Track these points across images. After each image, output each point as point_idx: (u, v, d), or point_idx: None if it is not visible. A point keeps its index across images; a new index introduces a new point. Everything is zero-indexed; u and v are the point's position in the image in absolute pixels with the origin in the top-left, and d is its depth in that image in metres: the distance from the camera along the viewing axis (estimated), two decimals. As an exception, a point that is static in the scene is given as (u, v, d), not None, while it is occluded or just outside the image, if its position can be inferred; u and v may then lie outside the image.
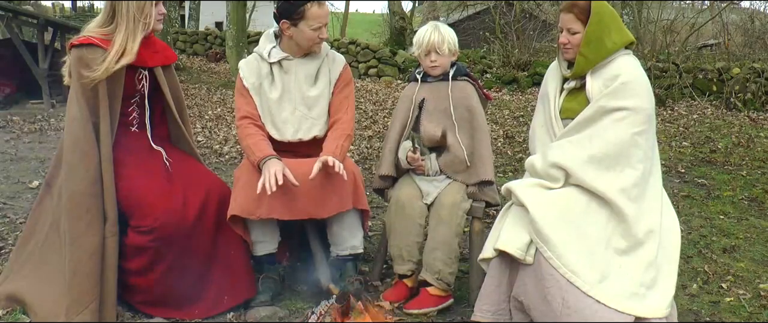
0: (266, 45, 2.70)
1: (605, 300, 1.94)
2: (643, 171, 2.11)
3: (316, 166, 2.41)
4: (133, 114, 2.56)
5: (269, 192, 2.34)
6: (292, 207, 2.46)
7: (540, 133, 2.35)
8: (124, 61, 2.37)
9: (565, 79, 2.32)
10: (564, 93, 2.30)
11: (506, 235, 2.14)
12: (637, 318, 1.96)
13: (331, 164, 2.39)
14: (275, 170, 2.37)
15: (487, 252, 2.23)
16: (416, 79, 2.83)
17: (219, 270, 2.57)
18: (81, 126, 2.36)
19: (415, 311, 2.64)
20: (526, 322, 2.14)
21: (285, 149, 2.65)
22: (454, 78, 2.76)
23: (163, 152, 2.58)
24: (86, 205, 2.32)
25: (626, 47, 2.24)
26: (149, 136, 2.59)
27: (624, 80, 2.13)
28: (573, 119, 2.23)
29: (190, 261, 2.50)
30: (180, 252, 2.46)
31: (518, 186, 2.21)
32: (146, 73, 2.54)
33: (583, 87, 2.24)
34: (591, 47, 2.17)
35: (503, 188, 2.30)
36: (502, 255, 2.16)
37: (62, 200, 2.36)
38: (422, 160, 2.72)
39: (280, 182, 2.35)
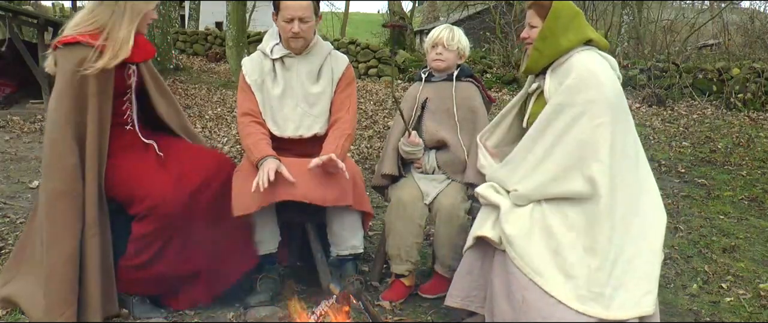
0: (269, 42, 2.71)
1: (566, 300, 1.92)
2: (611, 165, 2.02)
3: (318, 159, 2.42)
4: (127, 112, 2.55)
5: (262, 189, 2.34)
6: (291, 190, 2.43)
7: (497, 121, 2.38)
8: (122, 57, 2.35)
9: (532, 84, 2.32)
10: (532, 98, 2.29)
11: (482, 223, 2.18)
12: (601, 319, 1.91)
13: (333, 158, 2.40)
14: (269, 169, 2.37)
15: (468, 244, 2.28)
16: (421, 79, 2.84)
17: (223, 242, 2.58)
18: (58, 127, 2.33)
19: (431, 296, 2.75)
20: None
21: (285, 146, 2.65)
22: (458, 79, 2.77)
23: (155, 145, 2.57)
24: (62, 207, 2.30)
25: (588, 44, 2.19)
26: (138, 131, 2.58)
27: (575, 75, 2.10)
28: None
29: (196, 238, 2.51)
30: (184, 232, 2.47)
31: (487, 191, 2.24)
32: (135, 68, 2.53)
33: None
34: (546, 43, 2.17)
35: (475, 192, 2.32)
36: (477, 244, 2.20)
37: (40, 201, 2.36)
38: (419, 152, 2.74)
39: (272, 179, 2.35)
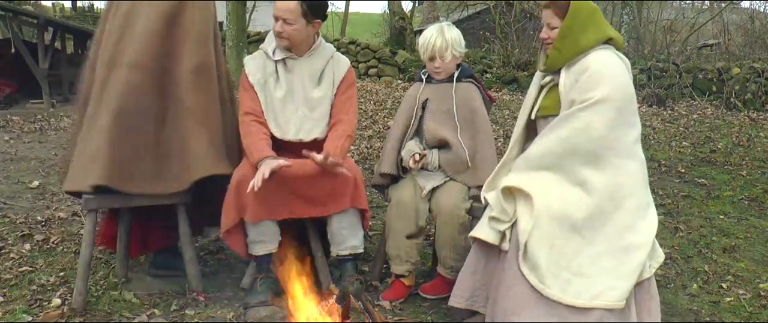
0: (272, 42, 2.71)
1: (529, 278, 2.00)
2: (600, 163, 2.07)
3: (318, 156, 2.44)
4: None
5: (255, 189, 2.36)
6: (292, 208, 2.49)
7: (517, 133, 2.37)
8: None
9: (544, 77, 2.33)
10: (544, 91, 2.30)
11: (482, 223, 2.21)
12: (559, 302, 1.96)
13: (328, 154, 2.43)
14: (264, 170, 2.39)
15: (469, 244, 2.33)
16: (421, 79, 2.84)
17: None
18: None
19: (432, 296, 2.75)
20: None
21: (286, 148, 2.66)
22: (458, 80, 2.77)
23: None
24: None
25: (608, 43, 2.20)
26: None
27: (590, 72, 2.11)
28: (548, 117, 2.22)
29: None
30: None
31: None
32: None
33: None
34: (565, 42, 2.17)
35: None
36: (479, 243, 2.22)
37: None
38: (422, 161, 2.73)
39: (267, 177, 2.37)
